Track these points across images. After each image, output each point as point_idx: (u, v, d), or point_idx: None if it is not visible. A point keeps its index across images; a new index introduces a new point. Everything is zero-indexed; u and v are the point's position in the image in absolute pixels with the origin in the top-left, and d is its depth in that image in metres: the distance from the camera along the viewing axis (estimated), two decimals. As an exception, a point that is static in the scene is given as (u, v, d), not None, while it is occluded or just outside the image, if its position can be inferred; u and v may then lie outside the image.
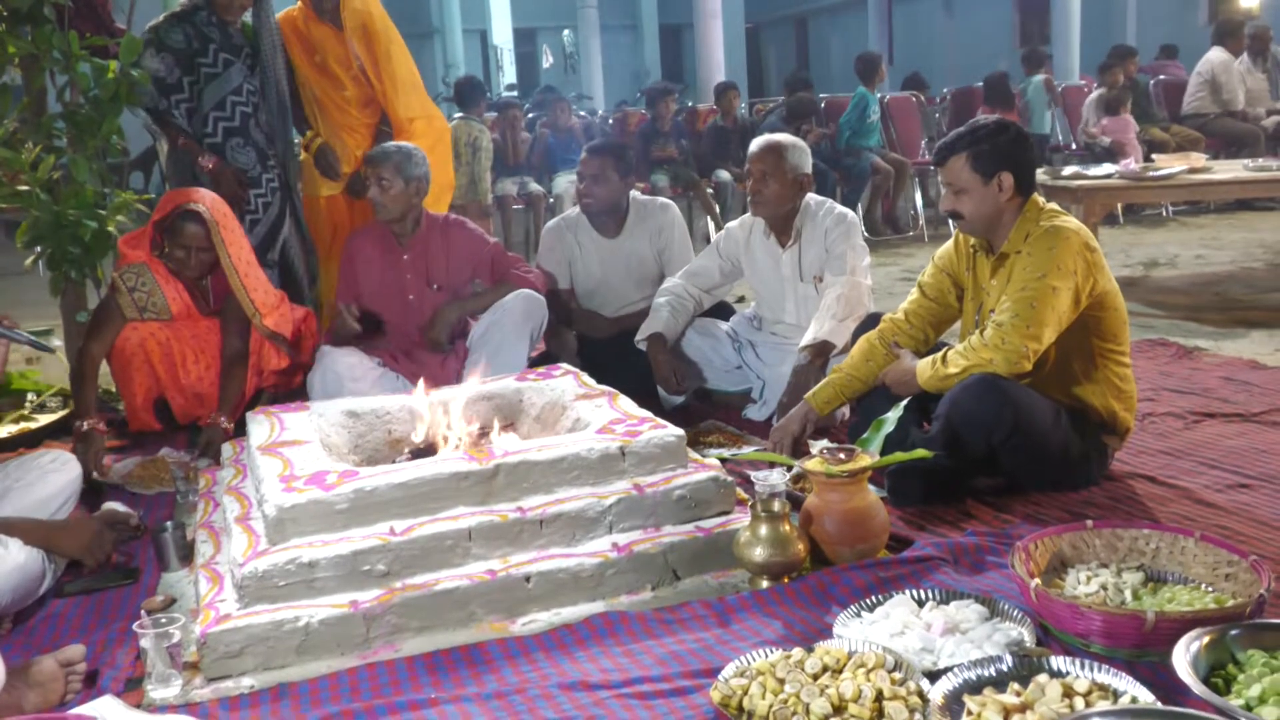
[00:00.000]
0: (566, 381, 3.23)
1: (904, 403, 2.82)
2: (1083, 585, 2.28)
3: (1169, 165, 6.20)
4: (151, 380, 3.92)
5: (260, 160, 4.44)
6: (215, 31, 4.33)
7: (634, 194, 4.50)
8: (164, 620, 2.17)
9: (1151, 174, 6.01)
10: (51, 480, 2.78)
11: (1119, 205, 8.51)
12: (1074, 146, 9.80)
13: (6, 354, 2.63)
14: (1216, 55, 9.29)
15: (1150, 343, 4.79)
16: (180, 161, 4.41)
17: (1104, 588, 2.25)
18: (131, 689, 2.18)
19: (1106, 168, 6.37)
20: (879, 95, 9.35)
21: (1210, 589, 2.23)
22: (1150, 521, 2.65)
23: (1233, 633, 1.88)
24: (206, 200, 3.84)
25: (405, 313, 4.09)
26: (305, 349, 4.16)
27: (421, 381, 3.09)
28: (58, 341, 4.65)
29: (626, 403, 2.99)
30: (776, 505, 2.47)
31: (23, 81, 4.26)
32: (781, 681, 1.93)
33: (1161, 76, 10.39)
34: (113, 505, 3.06)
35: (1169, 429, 3.59)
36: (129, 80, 4.06)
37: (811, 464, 2.58)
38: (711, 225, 8.49)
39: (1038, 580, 2.20)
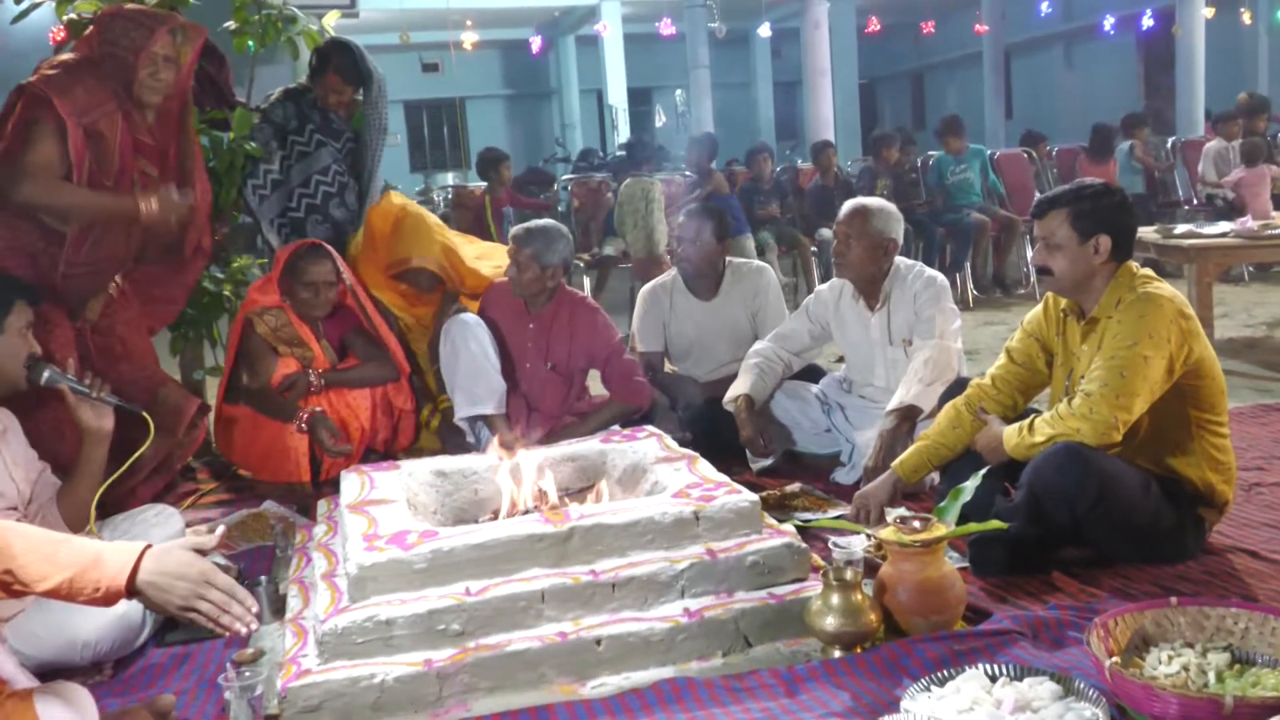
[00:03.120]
0: (650, 444, 3.27)
1: (982, 472, 2.78)
2: (1164, 665, 2.20)
3: (1290, 223, 6.00)
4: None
5: (338, 236, 4.59)
6: (316, 114, 4.58)
7: (730, 256, 4.55)
8: (247, 673, 2.26)
9: (1270, 232, 5.81)
10: (154, 534, 2.91)
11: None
12: (1195, 202, 9.52)
13: (111, 415, 2.80)
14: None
15: (1265, 408, 4.61)
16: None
17: (1186, 669, 2.18)
18: (216, 739, 2.28)
19: (1221, 226, 6.18)
20: (990, 152, 9.34)
21: (1302, 673, 2.14)
22: (1243, 599, 2.55)
23: (1314, 722, 1.81)
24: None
25: (519, 377, 4.18)
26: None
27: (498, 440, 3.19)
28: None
29: (705, 467, 3.01)
30: (849, 574, 2.46)
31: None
32: (841, 755, 1.92)
33: (1293, 128, 10.05)
34: (214, 558, 3.19)
35: (1278, 500, 3.44)
36: (243, 152, 4.30)
37: (885, 532, 2.56)
38: (817, 284, 8.50)
39: (1115, 658, 2.15)
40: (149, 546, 1.94)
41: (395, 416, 4.30)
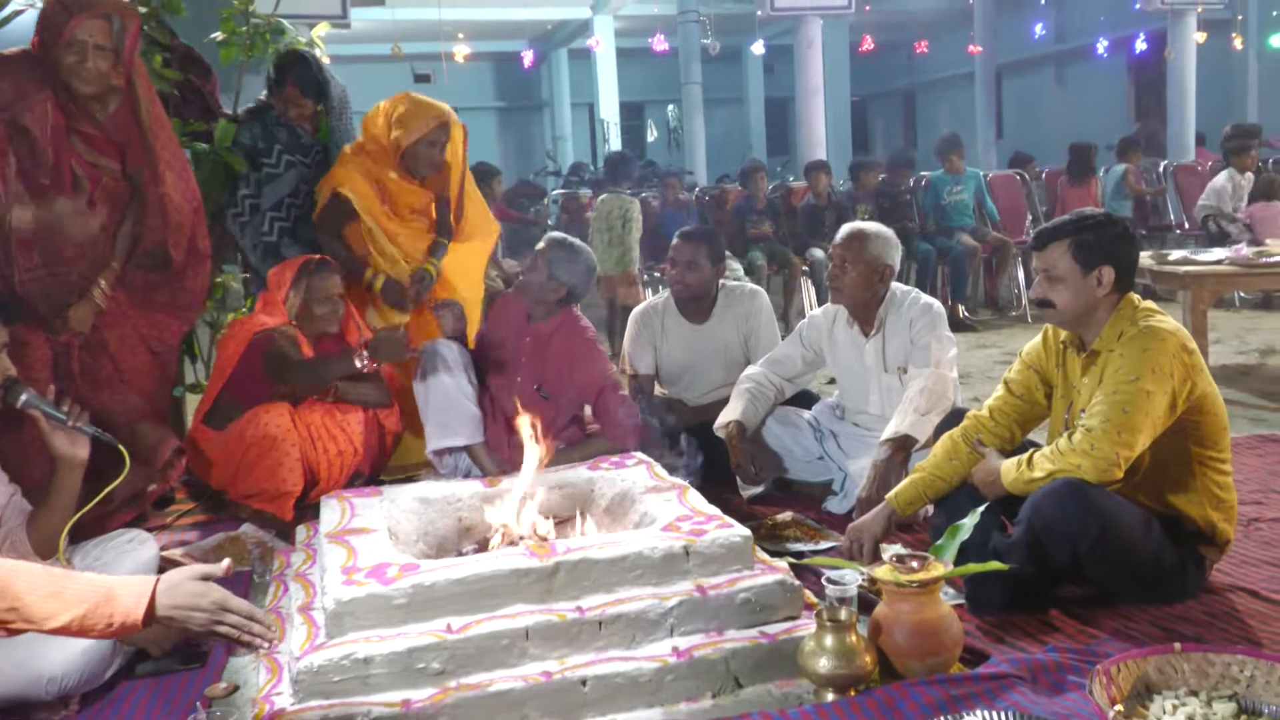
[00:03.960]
0: (638, 472, 3.19)
1: (981, 509, 2.71)
2: (1168, 716, 2.14)
3: (1284, 250, 5.96)
4: (304, 461, 3.83)
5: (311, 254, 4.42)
6: (282, 132, 4.46)
7: (723, 280, 4.48)
8: (218, 713, 2.18)
9: (1265, 260, 5.77)
10: (128, 560, 2.83)
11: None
12: (1186, 226, 9.50)
13: (87, 445, 2.71)
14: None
15: (1261, 438, 4.55)
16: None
17: (1191, 719, 2.11)
18: (185, 780, 2.19)
19: (1216, 253, 6.14)
20: (983, 174, 9.32)
21: (1310, 725, 2.08)
22: (1247, 644, 2.49)
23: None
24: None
25: (509, 388, 4.05)
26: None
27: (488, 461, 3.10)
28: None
29: (695, 498, 2.94)
30: (843, 614, 2.38)
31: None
32: (835, 810, 1.85)
33: (1286, 153, 10.06)
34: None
35: (1277, 536, 3.38)
36: (225, 161, 4.21)
37: (881, 572, 2.49)
38: (809, 303, 8.46)
39: (1119, 707, 2.07)
40: (158, 579, 1.96)
41: (383, 439, 4.19)
